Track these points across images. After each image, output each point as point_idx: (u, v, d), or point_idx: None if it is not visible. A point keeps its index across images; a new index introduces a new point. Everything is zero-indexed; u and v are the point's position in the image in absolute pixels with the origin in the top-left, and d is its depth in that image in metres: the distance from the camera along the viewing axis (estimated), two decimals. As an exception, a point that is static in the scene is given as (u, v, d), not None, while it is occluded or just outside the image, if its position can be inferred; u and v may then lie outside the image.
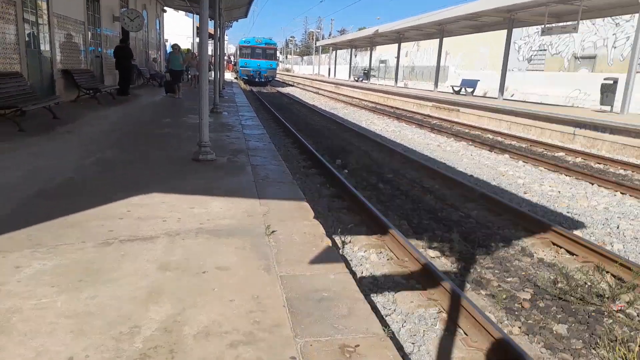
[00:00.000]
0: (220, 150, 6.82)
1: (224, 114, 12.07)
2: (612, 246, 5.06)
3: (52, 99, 9.22)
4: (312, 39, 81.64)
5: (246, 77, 36.16)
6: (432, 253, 4.67)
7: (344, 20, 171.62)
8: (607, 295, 3.73)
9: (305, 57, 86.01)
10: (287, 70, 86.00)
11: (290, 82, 48.70)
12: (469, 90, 24.71)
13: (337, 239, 4.72)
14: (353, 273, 4.05)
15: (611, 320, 3.48)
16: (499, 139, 14.08)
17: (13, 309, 2.41)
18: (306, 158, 9.17)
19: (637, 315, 3.58)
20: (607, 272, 4.23)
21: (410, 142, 12.45)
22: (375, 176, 8.00)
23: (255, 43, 36.44)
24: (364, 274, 4.06)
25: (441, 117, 19.49)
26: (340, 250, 4.51)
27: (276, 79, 42.91)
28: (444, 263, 4.46)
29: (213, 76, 14.89)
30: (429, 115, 20.01)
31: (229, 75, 39.37)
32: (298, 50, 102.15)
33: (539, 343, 3.14)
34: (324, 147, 10.69)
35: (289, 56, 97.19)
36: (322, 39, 66.21)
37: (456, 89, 25.64)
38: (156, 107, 12.66)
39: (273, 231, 3.76)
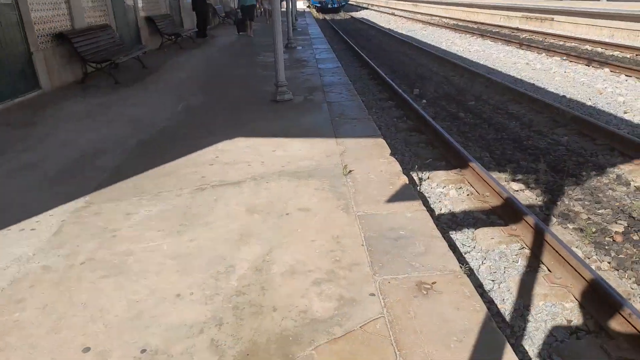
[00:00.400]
0: (296, 89, 6.91)
1: (298, 48, 12.00)
2: None
3: (140, 48, 9.74)
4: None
5: (318, 5, 35.07)
6: (515, 186, 4.52)
7: None
8: None
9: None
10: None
11: (364, 5, 46.43)
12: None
13: (415, 176, 4.73)
14: (431, 210, 4.09)
15: None
16: (599, 49, 12.62)
17: (127, 252, 2.81)
18: (382, 90, 8.97)
19: None
20: None
21: (495, 63, 11.59)
22: (456, 104, 7.68)
23: None
24: (442, 211, 4.08)
25: (532, 29, 17.70)
26: (417, 187, 4.53)
27: (349, 2, 41.09)
28: (528, 196, 4.32)
29: (285, 8, 14.63)
30: (517, 29, 18.26)
31: (301, 5, 38.40)
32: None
33: (630, 279, 3.03)
34: (400, 75, 10.34)
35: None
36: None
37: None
38: (232, 48, 12.89)
39: (350, 171, 3.86)
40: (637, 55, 11.36)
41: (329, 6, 34.80)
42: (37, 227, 3.10)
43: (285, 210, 3.24)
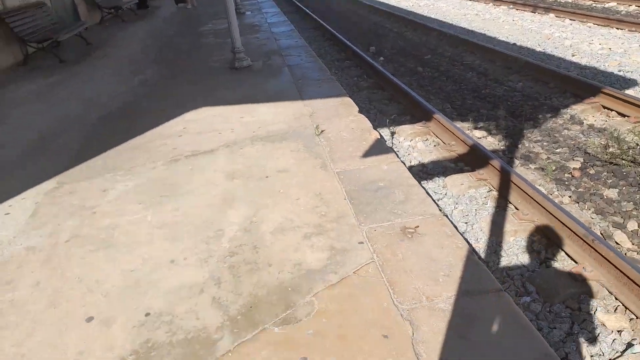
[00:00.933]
0: (253, 54, 6.79)
1: (248, 13, 11.66)
2: (668, 103, 4.90)
3: (80, 24, 9.18)
4: None
5: None
6: (478, 133, 4.72)
7: None
8: (659, 155, 3.75)
9: None
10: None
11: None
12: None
13: (384, 131, 4.84)
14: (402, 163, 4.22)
15: (663, 179, 3.55)
16: (544, -3, 12.96)
17: (112, 225, 2.79)
18: (339, 50, 8.94)
19: (690, 171, 3.62)
20: (661, 131, 4.18)
21: (445, 15, 11.73)
22: (413, 59, 7.79)
23: None
24: (412, 163, 4.23)
25: (478, -19, 17.88)
26: (388, 142, 4.64)
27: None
28: (491, 142, 4.53)
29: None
30: (464, -19, 18.37)
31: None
32: None
33: (590, 209, 3.30)
34: (355, 35, 10.30)
35: None
36: None
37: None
38: (178, 18, 12.37)
39: (322, 130, 3.92)
40: None
41: None
42: (11, 212, 3.01)
43: (264, 173, 3.28)
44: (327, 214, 2.72)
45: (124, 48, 8.49)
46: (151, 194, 3.12)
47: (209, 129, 4.17)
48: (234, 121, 4.32)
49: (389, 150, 3.53)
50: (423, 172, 4.02)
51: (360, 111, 4.44)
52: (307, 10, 13.73)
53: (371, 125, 4.02)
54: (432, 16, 11.86)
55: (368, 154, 3.47)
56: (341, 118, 4.21)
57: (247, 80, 5.69)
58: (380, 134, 4.65)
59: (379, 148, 3.56)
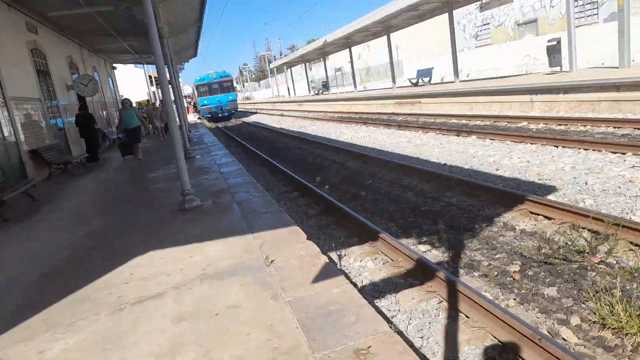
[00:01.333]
0: (203, 194, 7.01)
1: (197, 157, 12.25)
2: (584, 202, 5.42)
3: (26, 182, 9.25)
4: (265, 61, 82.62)
5: (209, 115, 36.21)
6: (423, 247, 4.93)
7: (291, 36, 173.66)
8: (586, 250, 4.05)
9: (262, 82, 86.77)
10: (247, 98, 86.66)
11: (253, 110, 49.08)
12: (426, 79, 25.41)
13: (333, 255, 4.95)
14: (353, 284, 4.27)
15: (594, 273, 3.78)
16: (464, 121, 14.58)
17: (49, 390, 2.56)
18: (286, 183, 9.41)
19: (617, 263, 3.90)
20: (583, 228, 4.56)
21: (381, 144, 12.81)
22: (356, 185, 8.28)
23: (210, 79, 36.59)
24: (364, 283, 4.29)
25: (405, 112, 20.02)
26: (338, 265, 4.73)
27: (239, 109, 43.12)
28: (435, 255, 4.73)
29: (178, 122, 15.04)
30: (393, 113, 20.53)
31: (192, 118, 39.50)
32: (253, 77, 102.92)
33: (534, 309, 3.41)
34: (302, 168, 10.95)
35: (245, 84, 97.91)
36: (274, 59, 67.00)
37: (413, 80, 26.26)
38: (128, 168, 12.76)
39: (272, 261, 3.97)
40: (494, 121, 13.34)
41: (219, 115, 36.00)
42: None
43: (214, 311, 3.22)
44: (280, 346, 2.66)
45: (71, 202, 8.51)
46: (94, 349, 2.94)
47: (156, 273, 4.12)
48: (182, 262, 4.30)
49: (339, 273, 3.60)
50: (375, 291, 4.07)
51: (310, 238, 4.58)
52: (255, 150, 14.61)
53: (319, 250, 4.14)
54: (370, 146, 12.92)
55: (318, 279, 3.52)
56: (290, 247, 4.32)
57: (197, 220, 5.80)
58: (330, 257, 4.75)
59: (328, 272, 3.63)
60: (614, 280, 3.59)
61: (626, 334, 2.89)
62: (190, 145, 14.20)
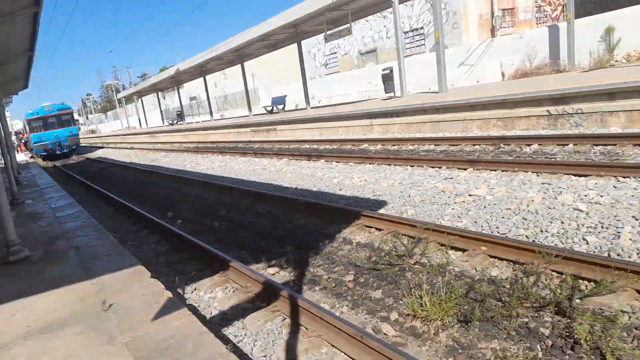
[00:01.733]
0: (33, 244, 6.33)
1: (28, 202, 10.93)
2: (407, 213, 6.25)
3: None
4: (112, 91, 77.26)
5: (44, 153, 31.85)
6: (272, 270, 5.16)
7: (142, 64, 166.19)
8: (405, 254, 4.68)
9: (109, 113, 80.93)
10: (92, 131, 79.96)
11: (99, 145, 45.35)
12: (280, 107, 26.42)
13: (188, 289, 4.90)
14: (202, 317, 4.29)
15: (411, 272, 4.40)
16: (315, 146, 15.53)
17: None
18: (136, 221, 8.94)
19: (428, 262, 4.59)
20: (404, 235, 5.26)
21: (237, 173, 12.96)
22: (210, 217, 8.26)
23: (46, 112, 32.54)
24: (213, 314, 4.34)
25: (261, 139, 20.57)
26: (187, 300, 4.69)
27: (81, 144, 39.15)
28: (283, 276, 4.99)
29: (4, 163, 13.28)
30: (250, 141, 20.90)
31: (22, 157, 34.90)
32: (99, 107, 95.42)
33: (363, 312, 3.85)
34: (152, 204, 10.50)
35: (89, 116, 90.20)
36: (123, 89, 63.22)
37: (268, 108, 27.10)
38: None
39: (110, 305, 3.80)
40: (340, 145, 14.47)
41: (57, 152, 32.09)
42: None
43: (40, 369, 2.97)
44: (114, 392, 2.58)
45: None
46: None
47: (-30, 339, 3.62)
48: (2, 322, 3.85)
49: (181, 306, 3.61)
50: (223, 320, 4.15)
51: (159, 276, 4.49)
52: (100, 188, 13.54)
53: (163, 287, 4.08)
54: (226, 175, 12.97)
55: (159, 315, 3.48)
56: (132, 287, 4.17)
57: (24, 273, 5.22)
58: (178, 293, 4.71)
59: (170, 307, 3.61)
60: (424, 277, 4.22)
61: (430, 320, 3.44)
62: (19, 188, 12.63)
